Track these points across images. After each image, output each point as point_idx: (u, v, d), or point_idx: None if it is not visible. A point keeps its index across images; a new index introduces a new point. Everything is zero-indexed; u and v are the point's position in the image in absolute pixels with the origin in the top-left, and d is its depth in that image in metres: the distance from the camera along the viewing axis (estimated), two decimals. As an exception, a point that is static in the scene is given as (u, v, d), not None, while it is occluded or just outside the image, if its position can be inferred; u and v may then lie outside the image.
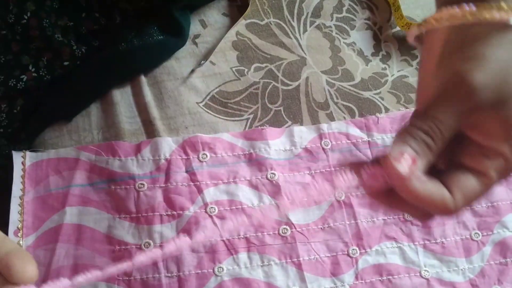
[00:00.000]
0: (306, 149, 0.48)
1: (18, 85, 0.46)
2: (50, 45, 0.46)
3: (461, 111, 0.26)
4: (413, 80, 0.55)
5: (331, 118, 0.50)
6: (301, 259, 0.44)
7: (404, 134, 0.27)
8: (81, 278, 0.29)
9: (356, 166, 0.29)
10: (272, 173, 0.46)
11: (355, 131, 0.50)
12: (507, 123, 0.26)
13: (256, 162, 0.47)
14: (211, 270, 0.42)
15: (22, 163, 0.44)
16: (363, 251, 0.45)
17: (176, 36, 0.50)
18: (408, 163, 0.25)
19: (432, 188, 0.27)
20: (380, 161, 0.27)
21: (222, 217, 0.44)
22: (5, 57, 0.46)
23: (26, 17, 0.45)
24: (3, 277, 0.28)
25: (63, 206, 0.43)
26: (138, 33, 0.49)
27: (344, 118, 0.51)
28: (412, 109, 0.52)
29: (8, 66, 0.46)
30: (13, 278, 0.27)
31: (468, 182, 0.27)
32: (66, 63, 0.47)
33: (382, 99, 0.53)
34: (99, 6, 0.48)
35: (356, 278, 0.44)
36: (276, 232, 0.44)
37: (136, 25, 0.49)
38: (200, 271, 0.42)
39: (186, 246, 0.30)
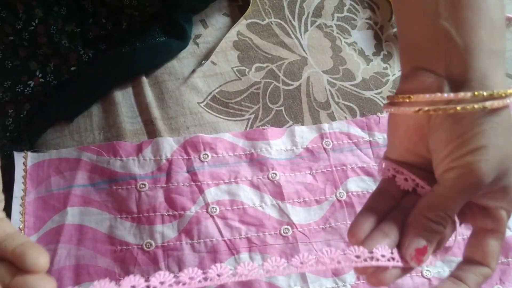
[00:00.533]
0: (307, 149, 0.48)
1: (25, 90, 0.46)
2: (57, 51, 0.46)
3: (470, 197, 0.30)
4: (414, 79, 0.55)
5: (332, 117, 0.50)
6: (302, 259, 0.44)
7: (420, 229, 0.30)
8: None
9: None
10: (273, 173, 0.46)
11: (356, 131, 0.50)
12: (505, 189, 0.30)
13: (257, 162, 0.46)
14: (213, 270, 0.42)
15: (23, 163, 0.44)
16: (365, 251, 0.45)
17: (179, 38, 0.50)
18: (424, 256, 0.29)
19: (477, 281, 0.31)
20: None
21: (223, 217, 0.44)
22: (12, 62, 0.46)
23: (34, 24, 0.45)
24: (16, 268, 0.29)
25: (64, 207, 0.43)
26: (141, 35, 0.49)
27: (345, 117, 0.51)
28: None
29: (16, 71, 0.46)
30: (27, 266, 0.29)
31: (492, 245, 0.32)
32: (73, 68, 0.47)
33: (383, 98, 0.52)
34: (106, 12, 0.49)
35: (358, 277, 0.44)
36: (278, 232, 0.44)
37: (141, 30, 0.49)
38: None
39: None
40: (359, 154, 0.49)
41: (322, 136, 0.49)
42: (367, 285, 0.44)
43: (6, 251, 0.30)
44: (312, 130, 0.49)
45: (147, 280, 0.27)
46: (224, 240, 0.43)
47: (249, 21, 0.54)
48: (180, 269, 0.42)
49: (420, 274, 0.45)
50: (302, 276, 0.43)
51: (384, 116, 0.51)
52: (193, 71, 0.50)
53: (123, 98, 0.48)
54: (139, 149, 0.46)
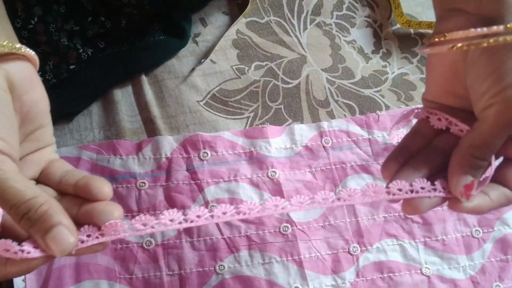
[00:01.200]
0: (307, 147, 0.48)
1: None
2: (56, 49, 0.46)
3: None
4: (413, 77, 0.55)
5: (331, 116, 0.50)
6: (302, 256, 0.44)
7: (466, 166, 0.31)
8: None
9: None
10: (273, 171, 0.46)
11: (355, 129, 0.50)
12: None
13: (256, 160, 0.47)
14: (212, 268, 0.43)
15: (23, 162, 0.44)
16: (364, 248, 0.45)
17: (178, 37, 0.50)
18: (471, 191, 0.30)
19: (499, 198, 0.32)
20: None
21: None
22: None
23: (33, 22, 0.45)
24: (80, 200, 0.30)
25: (64, 205, 0.43)
26: (140, 34, 0.49)
27: (345, 115, 0.51)
28: (412, 106, 0.52)
29: None
30: (93, 195, 0.29)
31: None
32: (72, 67, 0.47)
33: (383, 96, 0.53)
34: (105, 11, 0.49)
35: (357, 275, 0.44)
36: (277, 230, 0.45)
37: (140, 28, 0.50)
38: (201, 269, 0.42)
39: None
40: (358, 152, 0.49)
41: (321, 134, 0.49)
42: (366, 282, 0.44)
43: (68, 186, 0.30)
44: (312, 128, 0.49)
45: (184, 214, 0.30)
46: (224, 238, 0.43)
47: (249, 19, 0.54)
48: (180, 267, 0.42)
49: (419, 271, 0.45)
50: (301, 274, 0.43)
51: (383, 114, 0.51)
52: (193, 69, 0.50)
53: (122, 96, 0.48)
54: (139, 148, 0.46)
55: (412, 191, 0.31)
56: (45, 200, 0.27)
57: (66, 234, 0.26)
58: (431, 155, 0.34)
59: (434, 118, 0.35)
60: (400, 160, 0.34)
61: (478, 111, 0.31)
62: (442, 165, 0.33)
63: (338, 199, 0.31)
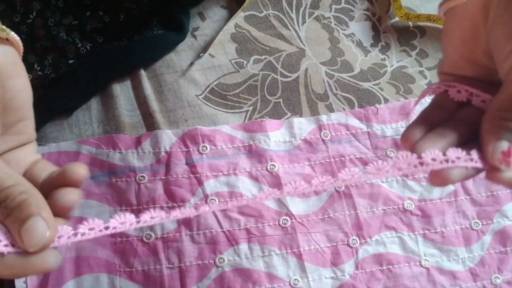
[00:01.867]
0: (306, 141, 0.48)
1: None
2: (55, 44, 0.47)
3: None
4: (412, 70, 0.55)
5: (330, 109, 0.50)
6: (301, 249, 0.44)
7: (499, 131, 0.28)
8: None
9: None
10: (272, 165, 0.46)
11: (354, 122, 0.50)
12: None
13: (256, 153, 0.47)
14: (212, 261, 0.43)
15: (23, 157, 0.44)
16: (363, 241, 0.45)
17: (177, 31, 0.50)
18: (510, 157, 0.28)
19: None
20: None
21: (222, 209, 0.44)
22: None
23: (31, 17, 0.45)
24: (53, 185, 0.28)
25: (64, 199, 0.43)
26: (139, 28, 0.49)
27: (344, 109, 0.51)
28: (411, 99, 0.52)
29: None
30: (67, 177, 0.28)
31: None
32: (71, 61, 0.47)
33: (381, 89, 0.53)
34: (103, 5, 0.49)
35: (356, 267, 0.44)
36: (277, 223, 0.45)
37: (139, 23, 0.50)
38: (201, 262, 0.43)
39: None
40: (357, 145, 0.49)
41: (320, 127, 0.49)
42: (365, 275, 0.44)
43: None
44: (310, 121, 0.49)
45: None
46: (223, 231, 0.44)
47: (247, 13, 0.54)
48: (180, 260, 0.42)
49: (418, 263, 0.45)
50: (301, 266, 0.43)
51: (382, 107, 0.51)
52: (191, 63, 0.50)
53: (121, 91, 0.48)
54: (138, 142, 0.46)
55: (447, 161, 0.28)
56: (26, 189, 0.25)
57: (42, 227, 0.24)
58: (456, 125, 0.32)
59: (453, 90, 0.34)
60: (420, 129, 0.32)
61: (504, 70, 0.29)
62: (469, 137, 0.31)
63: (366, 174, 0.30)
